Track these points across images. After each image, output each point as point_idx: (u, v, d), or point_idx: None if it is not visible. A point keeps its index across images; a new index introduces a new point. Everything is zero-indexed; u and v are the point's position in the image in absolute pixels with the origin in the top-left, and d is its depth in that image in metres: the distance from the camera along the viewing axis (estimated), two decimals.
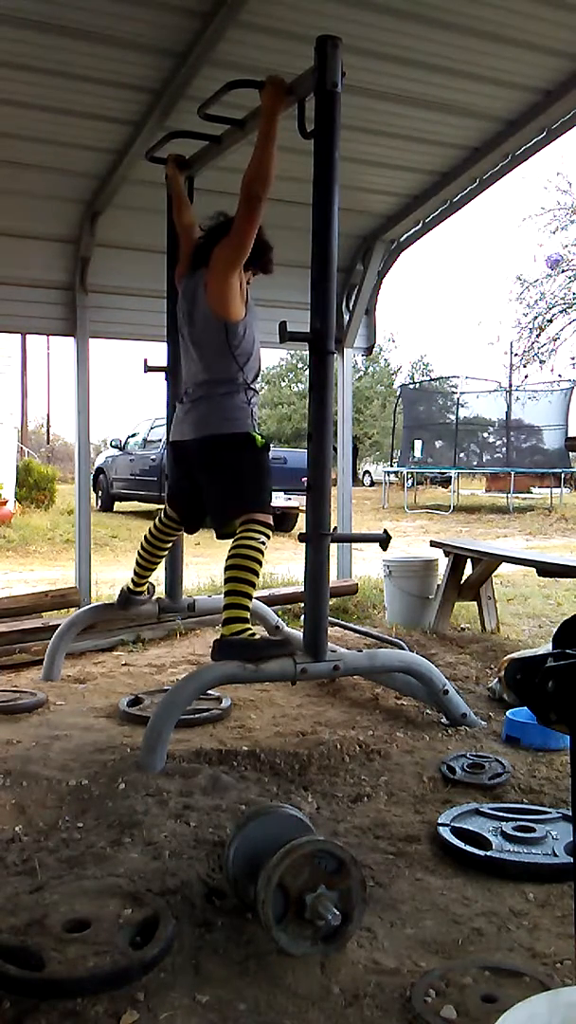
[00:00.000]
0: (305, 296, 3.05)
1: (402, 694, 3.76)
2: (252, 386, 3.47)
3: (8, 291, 4.93)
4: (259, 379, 3.54)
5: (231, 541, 3.36)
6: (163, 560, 4.09)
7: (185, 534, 4.04)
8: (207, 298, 3.37)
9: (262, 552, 3.29)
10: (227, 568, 3.28)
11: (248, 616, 3.24)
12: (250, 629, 3.21)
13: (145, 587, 4.10)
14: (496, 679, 3.90)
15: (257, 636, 3.20)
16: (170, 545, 4.02)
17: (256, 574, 3.28)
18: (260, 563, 3.29)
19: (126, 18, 3.50)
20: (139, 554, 4.01)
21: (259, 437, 3.40)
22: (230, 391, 3.40)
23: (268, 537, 3.33)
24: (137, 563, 4.03)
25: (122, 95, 4.04)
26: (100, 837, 2.39)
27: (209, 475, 3.47)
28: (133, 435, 15.59)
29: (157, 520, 3.93)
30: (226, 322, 3.37)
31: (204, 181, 4.16)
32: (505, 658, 4.12)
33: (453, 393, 20.70)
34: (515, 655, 3.83)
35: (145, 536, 3.97)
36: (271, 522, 3.38)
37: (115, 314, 5.12)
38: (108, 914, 1.90)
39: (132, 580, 4.07)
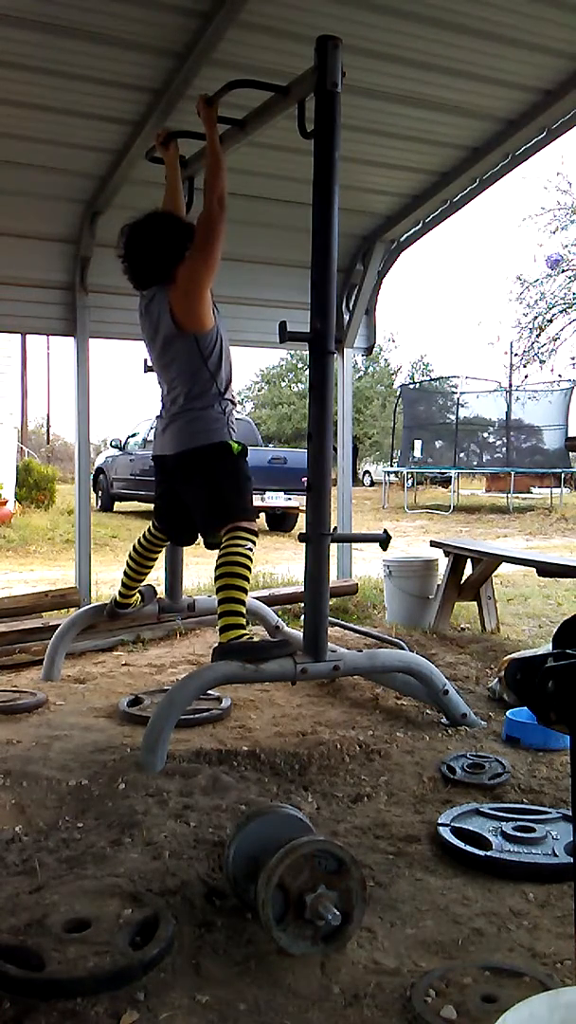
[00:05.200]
0: (305, 296, 3.05)
1: (402, 694, 3.75)
2: (226, 396, 3.47)
3: (8, 291, 4.92)
4: (232, 388, 3.52)
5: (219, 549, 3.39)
6: (149, 573, 4.07)
7: None
8: (177, 318, 3.36)
9: (250, 559, 3.32)
10: (217, 578, 3.30)
11: (244, 622, 3.27)
12: (247, 634, 3.23)
13: (133, 599, 4.07)
14: (496, 679, 3.90)
15: (256, 638, 3.21)
16: (156, 558, 3.99)
17: (246, 580, 3.30)
18: (249, 569, 3.31)
19: (126, 18, 3.50)
20: (127, 566, 4.00)
21: (235, 444, 3.41)
22: (205, 405, 3.42)
23: (254, 543, 3.35)
24: (125, 574, 4.02)
25: (122, 95, 4.03)
26: (100, 837, 2.39)
27: (190, 488, 3.49)
28: (133, 435, 15.58)
29: (144, 533, 3.93)
30: (196, 335, 3.37)
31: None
32: (505, 658, 4.12)
33: (453, 393, 20.69)
34: (515, 655, 3.84)
35: (133, 548, 3.95)
36: (255, 528, 3.41)
37: (115, 314, 5.11)
38: (108, 914, 1.90)
39: (119, 592, 4.04)
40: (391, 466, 21.14)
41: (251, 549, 3.32)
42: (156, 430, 3.66)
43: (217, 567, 3.31)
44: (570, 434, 17.92)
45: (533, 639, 5.08)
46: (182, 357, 3.42)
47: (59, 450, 28.21)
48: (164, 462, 3.58)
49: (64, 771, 2.85)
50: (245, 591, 3.29)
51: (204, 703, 3.57)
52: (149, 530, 3.91)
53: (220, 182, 3.27)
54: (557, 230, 16.97)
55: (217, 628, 3.30)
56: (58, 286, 5.05)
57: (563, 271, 17.21)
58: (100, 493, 15.70)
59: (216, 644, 3.24)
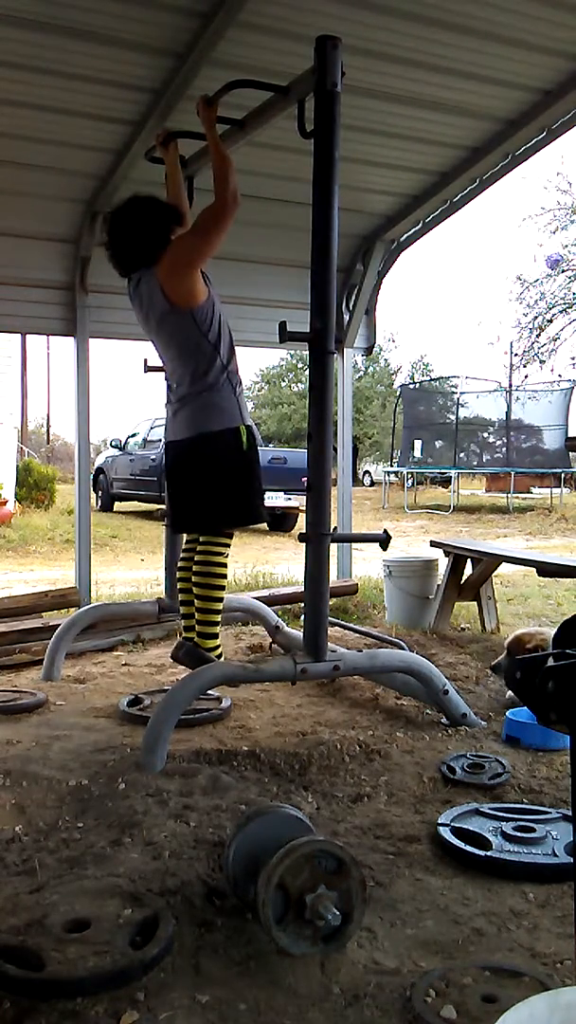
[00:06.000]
0: (305, 296, 3.05)
1: (402, 694, 3.75)
2: (230, 368, 3.40)
3: (8, 291, 4.92)
4: (236, 359, 3.45)
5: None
6: None
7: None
8: (168, 296, 3.29)
9: (226, 565, 3.51)
10: (197, 584, 3.48)
11: (218, 631, 3.53)
12: (220, 647, 3.55)
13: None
14: (504, 655, 3.90)
15: (223, 658, 3.52)
16: None
17: (223, 587, 3.53)
18: (225, 574, 3.52)
19: (126, 18, 3.50)
20: (183, 594, 3.67)
21: (245, 440, 3.37)
22: (214, 382, 3.36)
23: (228, 546, 3.50)
24: (183, 603, 3.68)
25: (122, 95, 4.04)
26: (100, 837, 2.39)
27: (193, 475, 3.45)
28: (133, 435, 15.60)
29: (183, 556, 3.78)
30: (192, 309, 3.31)
31: (205, 181, 4.15)
32: (512, 635, 4.08)
33: (453, 393, 20.70)
34: (521, 631, 3.81)
35: (179, 577, 3.72)
36: (232, 532, 3.53)
37: (115, 314, 5.10)
38: (108, 914, 1.90)
39: (185, 626, 3.69)
40: (391, 466, 21.13)
41: (227, 556, 3.50)
42: (167, 416, 3.60)
43: (197, 574, 3.48)
44: (570, 434, 17.91)
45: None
46: (180, 334, 3.36)
47: (59, 450, 28.21)
48: (177, 447, 3.51)
49: (64, 771, 2.85)
50: (221, 600, 3.52)
51: (204, 703, 3.56)
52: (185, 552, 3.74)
53: (231, 180, 3.23)
54: (557, 230, 16.99)
55: (196, 631, 3.52)
56: (58, 286, 5.05)
57: (563, 271, 17.22)
58: (100, 493, 15.71)
59: (191, 641, 3.52)
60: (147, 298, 3.39)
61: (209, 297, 3.36)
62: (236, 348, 3.52)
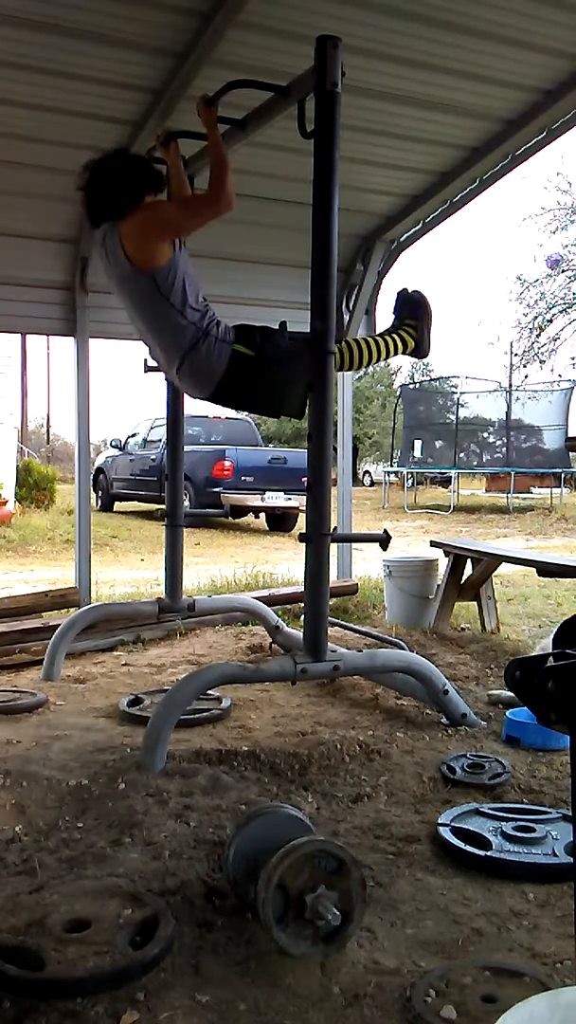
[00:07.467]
0: (305, 296, 3.05)
1: (402, 694, 3.75)
2: (202, 325, 3.25)
3: (8, 291, 4.92)
4: (209, 311, 3.29)
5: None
6: None
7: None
8: (128, 253, 3.20)
9: (367, 342, 3.59)
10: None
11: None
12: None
13: None
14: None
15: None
16: None
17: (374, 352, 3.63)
18: (370, 345, 3.61)
19: (126, 18, 3.50)
20: None
21: (247, 350, 3.24)
22: (195, 343, 3.24)
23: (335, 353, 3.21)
24: None
25: (122, 95, 4.04)
26: (100, 837, 2.40)
27: (250, 402, 3.52)
28: (133, 435, 15.61)
29: None
30: (152, 272, 3.20)
31: (205, 181, 4.14)
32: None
33: (453, 393, 20.70)
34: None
35: None
36: (327, 348, 3.05)
37: (115, 314, 5.06)
38: (108, 914, 1.90)
39: None
40: (391, 466, 21.13)
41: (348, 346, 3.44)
42: (170, 381, 3.51)
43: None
44: (570, 434, 17.92)
45: (533, 639, 5.08)
46: (140, 299, 3.27)
47: (59, 450, 28.20)
48: (210, 400, 3.49)
49: (64, 771, 2.85)
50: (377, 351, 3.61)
51: (204, 703, 3.57)
52: None
53: (227, 183, 3.20)
54: (557, 230, 17.01)
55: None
56: (58, 286, 5.05)
57: (563, 271, 17.23)
58: (100, 493, 15.72)
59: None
60: (111, 254, 3.31)
61: (172, 260, 3.23)
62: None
